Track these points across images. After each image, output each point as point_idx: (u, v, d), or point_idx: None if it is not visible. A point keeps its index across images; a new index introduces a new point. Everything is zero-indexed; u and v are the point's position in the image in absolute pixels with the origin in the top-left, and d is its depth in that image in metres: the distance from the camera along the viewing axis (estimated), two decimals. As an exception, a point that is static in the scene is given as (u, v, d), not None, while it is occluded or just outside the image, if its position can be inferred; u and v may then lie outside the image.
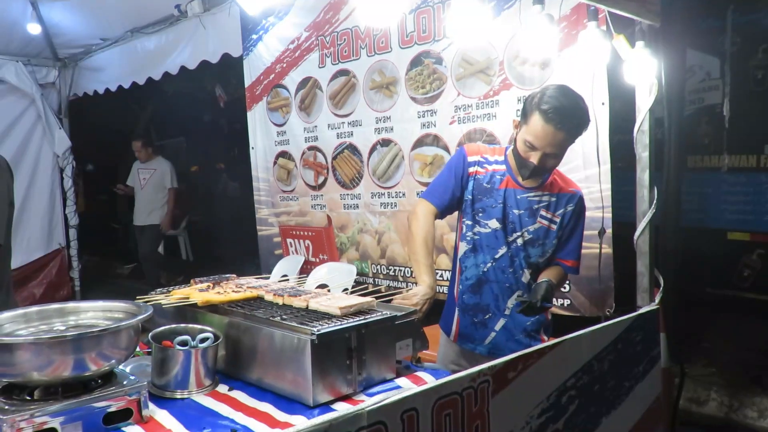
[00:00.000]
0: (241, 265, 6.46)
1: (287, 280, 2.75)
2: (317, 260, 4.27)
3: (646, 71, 2.52)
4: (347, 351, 1.62)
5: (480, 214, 2.25)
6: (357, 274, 3.93)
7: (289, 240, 4.48)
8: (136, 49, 5.57)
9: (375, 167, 3.92)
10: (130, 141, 7.07)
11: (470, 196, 2.26)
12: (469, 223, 2.28)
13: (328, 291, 2.07)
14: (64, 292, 6.39)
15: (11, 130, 6.04)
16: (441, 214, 2.30)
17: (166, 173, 6.78)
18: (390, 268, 3.89)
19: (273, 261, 4.44)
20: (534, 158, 2.09)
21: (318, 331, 1.56)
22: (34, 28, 5.62)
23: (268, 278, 2.64)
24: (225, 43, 4.64)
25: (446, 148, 3.54)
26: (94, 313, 1.63)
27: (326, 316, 1.71)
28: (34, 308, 1.59)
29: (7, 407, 1.35)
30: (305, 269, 4.21)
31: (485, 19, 2.39)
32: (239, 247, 6.75)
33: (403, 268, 3.82)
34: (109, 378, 1.51)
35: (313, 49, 4.18)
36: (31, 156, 6.27)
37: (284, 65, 4.38)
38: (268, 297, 1.91)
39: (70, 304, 1.63)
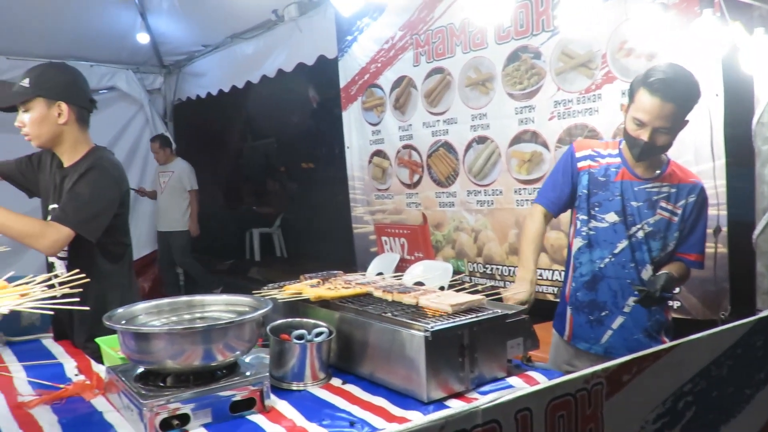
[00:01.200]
0: (335, 262, 6.59)
1: (383, 277, 2.77)
2: (412, 258, 4.29)
3: (765, 59, 2.37)
4: (460, 348, 1.62)
5: (596, 209, 2.21)
6: (453, 273, 3.92)
7: (384, 238, 4.54)
8: (236, 54, 5.81)
9: (471, 165, 3.89)
10: (228, 142, 7.37)
11: (585, 191, 2.23)
12: (584, 218, 2.24)
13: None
14: (170, 286, 6.75)
15: (122, 134, 6.46)
16: (554, 214, 2.29)
17: (184, 175, 6.42)
18: (487, 266, 3.86)
19: (368, 258, 4.50)
20: (644, 135, 2.04)
21: (432, 328, 1.57)
22: (143, 38, 5.98)
23: (363, 275, 2.68)
24: (320, 46, 4.76)
25: (545, 145, 3.47)
26: (218, 306, 1.71)
27: (436, 314, 1.72)
28: (165, 300, 1.69)
29: (144, 392, 1.44)
30: (401, 267, 4.23)
31: (590, 9, 2.33)
32: (332, 245, 6.89)
33: (500, 267, 3.78)
34: (233, 368, 1.58)
35: (407, 48, 4.21)
36: (140, 158, 6.67)
37: (379, 65, 4.43)
38: (377, 293, 1.94)
39: (197, 298, 1.72)
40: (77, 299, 1.28)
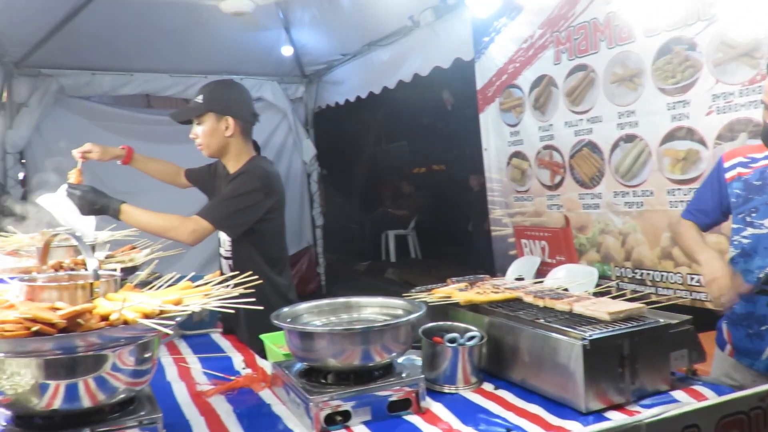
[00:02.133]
0: (470, 264, 6.58)
1: (523, 281, 2.72)
2: (554, 261, 4.18)
3: None
4: (619, 358, 1.56)
5: (753, 215, 2.03)
6: (598, 277, 3.77)
7: (523, 241, 4.46)
8: (372, 61, 5.98)
9: (618, 165, 3.72)
10: (364, 146, 7.61)
11: (737, 199, 2.06)
12: (739, 226, 2.07)
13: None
14: (312, 285, 7.08)
15: (268, 142, 6.86)
16: (703, 229, 2.16)
17: None
18: (636, 271, 3.66)
19: (507, 261, 4.44)
20: None
21: (590, 336, 1.52)
22: (287, 50, 6.32)
23: (502, 279, 2.65)
24: (456, 48, 4.77)
25: (702, 142, 3.23)
26: (373, 308, 1.78)
27: (592, 321, 1.66)
28: (325, 301, 1.79)
29: (309, 388, 1.53)
30: (542, 271, 4.14)
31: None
32: (467, 247, 6.87)
33: (651, 272, 3.57)
34: (389, 369, 1.64)
35: (547, 46, 4.11)
36: (284, 164, 7.05)
37: (517, 65, 4.36)
38: (528, 299, 1.92)
39: (353, 299, 1.80)
40: (253, 299, 1.39)
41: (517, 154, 4.49)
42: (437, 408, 1.59)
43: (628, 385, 1.57)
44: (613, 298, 1.84)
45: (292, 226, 7.00)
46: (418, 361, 1.83)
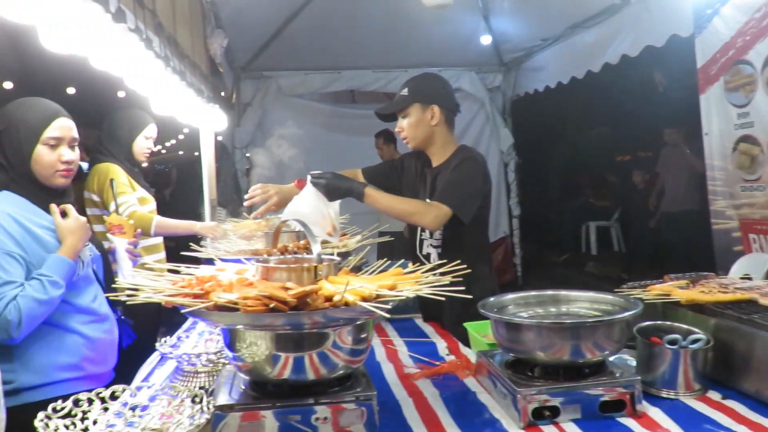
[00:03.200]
0: (682, 260, 6.01)
1: (754, 281, 2.41)
2: (790, 260, 3.65)
3: None
4: None
5: None
6: None
7: (752, 236, 3.96)
8: (575, 45, 5.70)
9: None
10: (565, 134, 7.30)
11: None
12: None
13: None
14: (508, 276, 7.01)
15: (465, 132, 6.89)
16: None
17: None
18: None
19: (730, 258, 3.97)
20: None
21: None
22: (486, 39, 6.29)
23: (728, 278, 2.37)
24: (673, 24, 4.36)
25: None
26: (583, 303, 1.70)
27: None
28: (532, 293, 1.75)
29: (516, 380, 1.51)
30: (775, 270, 3.64)
31: None
32: (679, 241, 6.29)
33: None
34: (600, 367, 1.56)
35: (786, 13, 3.58)
36: (482, 153, 7.03)
37: (747, 38, 3.86)
38: (764, 301, 1.70)
39: (562, 292, 1.74)
40: (463, 288, 1.40)
41: (746, 138, 3.98)
42: (655, 413, 1.48)
43: None
44: None
45: (490, 215, 6.97)
46: (632, 361, 1.72)
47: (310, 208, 2.19)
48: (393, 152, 6.34)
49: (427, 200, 2.40)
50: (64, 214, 1.91)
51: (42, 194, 1.91)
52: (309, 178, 2.25)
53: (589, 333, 1.47)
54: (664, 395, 1.58)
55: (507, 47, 6.58)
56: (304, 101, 6.90)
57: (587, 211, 9.36)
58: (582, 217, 9.31)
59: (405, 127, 2.44)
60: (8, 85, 6.90)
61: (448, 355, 2.06)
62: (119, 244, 2.39)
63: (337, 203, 2.31)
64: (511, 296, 1.74)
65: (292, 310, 1.26)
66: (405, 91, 2.42)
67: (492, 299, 1.70)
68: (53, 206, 1.90)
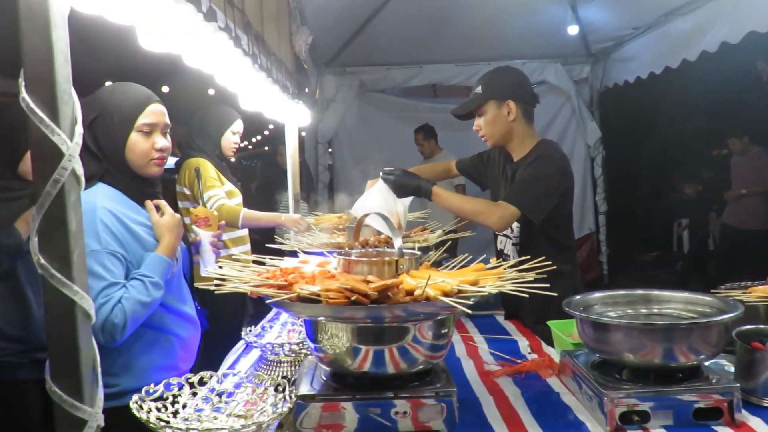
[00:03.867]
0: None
1: None
2: None
3: None
4: None
5: None
6: None
7: None
8: (669, 32, 5.41)
9: None
10: (656, 126, 6.96)
11: None
12: None
13: None
14: (593, 274, 6.77)
15: (550, 126, 6.70)
16: None
17: None
18: None
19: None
20: None
21: None
22: (573, 30, 6.07)
23: None
24: (780, 7, 4.06)
25: None
26: (677, 304, 1.62)
27: None
28: (621, 292, 1.68)
29: (603, 382, 1.46)
30: None
31: None
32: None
33: None
34: (694, 373, 1.47)
35: None
36: (567, 148, 6.80)
37: None
38: None
39: (653, 292, 1.66)
40: (547, 285, 1.36)
41: None
42: (756, 423, 1.39)
43: None
44: None
45: (575, 212, 6.73)
46: (729, 367, 1.62)
47: (378, 203, 2.21)
48: (434, 147, 6.15)
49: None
50: (157, 209, 1.85)
51: (135, 185, 1.83)
52: (381, 174, 2.28)
53: (684, 335, 1.39)
54: (766, 404, 1.48)
55: (595, 37, 6.33)
56: (386, 96, 6.93)
57: (680, 208, 8.88)
58: (674, 213, 8.84)
59: (482, 125, 2.38)
60: (108, 83, 7.32)
61: (530, 353, 2.02)
62: (204, 236, 2.44)
63: (407, 200, 2.33)
64: (597, 295, 1.68)
65: (373, 304, 1.26)
66: (479, 89, 2.36)
67: (577, 297, 1.64)
68: (149, 203, 1.84)
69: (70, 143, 0.97)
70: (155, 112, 1.83)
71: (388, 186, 2.25)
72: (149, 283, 1.69)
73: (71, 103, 0.99)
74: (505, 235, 2.45)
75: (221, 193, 3.21)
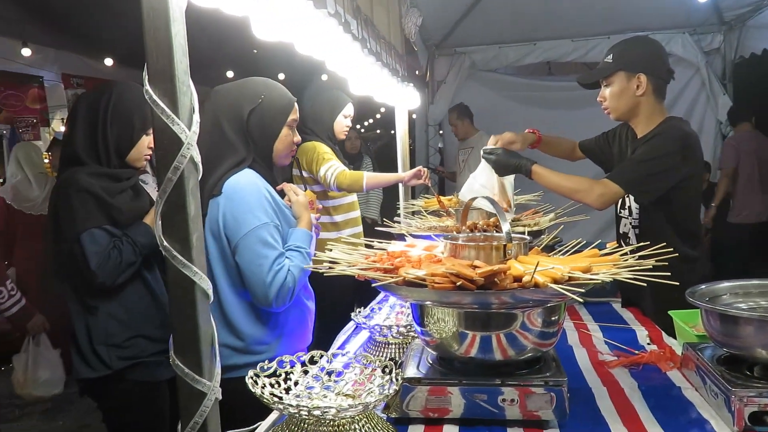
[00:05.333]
0: None
1: None
2: None
3: None
4: None
5: None
6: None
7: None
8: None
9: None
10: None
11: None
12: None
13: None
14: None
15: (677, 101, 6.23)
16: None
17: None
18: None
19: None
20: None
21: None
22: (703, -3, 5.61)
23: None
24: None
25: None
26: (818, 296, 1.47)
27: None
28: (754, 281, 1.55)
29: (730, 378, 1.35)
30: None
31: None
32: None
33: None
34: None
35: None
36: (695, 125, 6.29)
37: None
38: None
39: (791, 283, 1.52)
40: (667, 273, 1.28)
41: None
42: None
43: None
44: None
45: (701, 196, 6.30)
46: None
47: (483, 182, 2.25)
48: (468, 127, 6.00)
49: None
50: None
51: (270, 173, 1.99)
52: (482, 153, 2.31)
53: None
54: None
55: (729, 3, 5.81)
56: (498, 75, 6.76)
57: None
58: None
59: (607, 96, 2.26)
60: (230, 74, 7.68)
61: (649, 344, 1.91)
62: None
63: (511, 177, 2.33)
64: (727, 284, 1.55)
65: (480, 289, 1.24)
66: (609, 58, 2.23)
67: (703, 287, 1.53)
68: (287, 185, 2.04)
69: (189, 132, 1.03)
70: (296, 110, 2.03)
71: (490, 164, 2.28)
72: (305, 253, 1.88)
73: (189, 93, 1.04)
74: (624, 217, 2.33)
75: (337, 164, 3.31)
